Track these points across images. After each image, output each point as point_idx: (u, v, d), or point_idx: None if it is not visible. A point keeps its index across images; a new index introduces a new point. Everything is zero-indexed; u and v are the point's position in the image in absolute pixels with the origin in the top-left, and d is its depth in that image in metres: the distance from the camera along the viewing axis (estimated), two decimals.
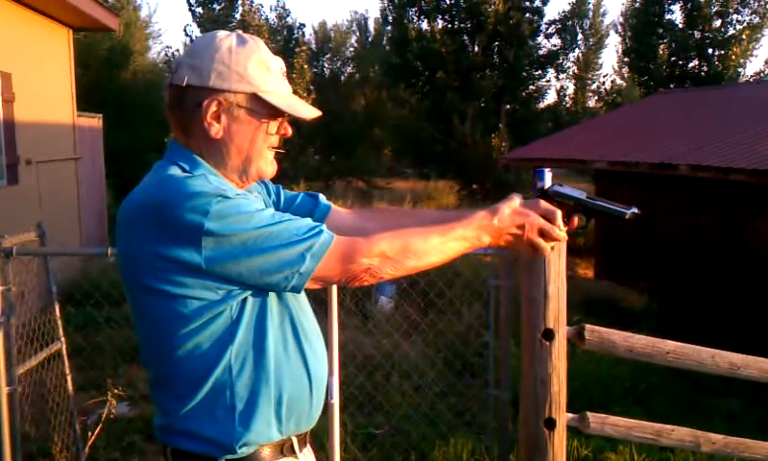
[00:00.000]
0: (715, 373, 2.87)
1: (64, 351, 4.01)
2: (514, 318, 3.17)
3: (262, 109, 1.53)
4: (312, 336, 1.63)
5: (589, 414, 2.63)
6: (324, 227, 1.47)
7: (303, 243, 1.42)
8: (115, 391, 4.46)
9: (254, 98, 1.52)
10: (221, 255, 1.38)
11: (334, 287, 2.83)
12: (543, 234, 1.60)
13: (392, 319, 6.80)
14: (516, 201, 1.61)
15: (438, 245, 1.54)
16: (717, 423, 5.60)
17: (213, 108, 1.50)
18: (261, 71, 1.53)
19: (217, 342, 1.46)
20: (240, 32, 1.57)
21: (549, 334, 2.50)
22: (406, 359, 5.87)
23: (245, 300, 1.47)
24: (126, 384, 5.11)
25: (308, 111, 1.60)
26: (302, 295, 1.63)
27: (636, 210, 1.64)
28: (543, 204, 1.62)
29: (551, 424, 2.52)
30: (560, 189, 1.66)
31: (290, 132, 1.61)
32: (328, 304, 2.89)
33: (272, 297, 1.52)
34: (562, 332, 2.52)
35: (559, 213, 1.61)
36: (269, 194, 1.79)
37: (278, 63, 1.58)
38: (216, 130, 1.51)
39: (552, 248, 1.65)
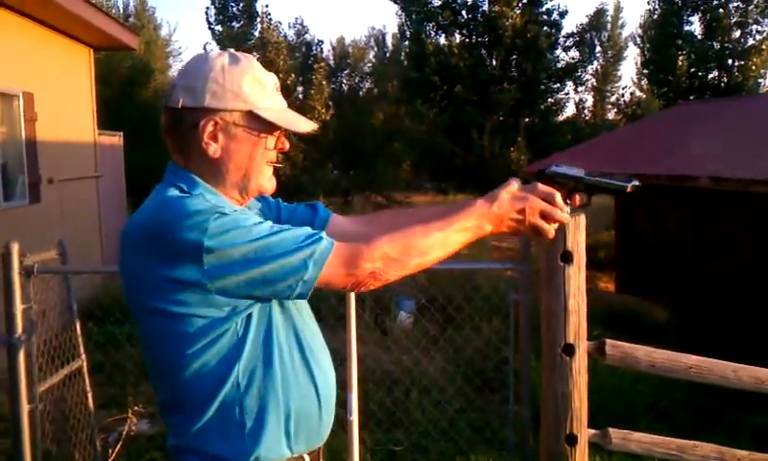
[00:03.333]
0: (739, 388, 2.82)
1: (85, 369, 4.02)
2: (533, 333, 3.14)
3: (259, 125, 1.54)
4: (318, 351, 1.62)
5: (612, 430, 2.60)
6: (323, 234, 1.47)
7: (303, 250, 1.42)
8: (135, 408, 4.47)
9: (250, 115, 1.53)
10: (222, 271, 1.39)
11: (352, 302, 2.83)
12: (545, 217, 1.60)
13: (411, 334, 6.78)
14: (513, 185, 1.60)
15: (440, 239, 1.53)
16: (743, 439, 5.51)
17: (210, 127, 1.51)
18: (255, 88, 1.53)
19: (224, 359, 1.46)
20: (232, 50, 1.58)
21: (570, 349, 2.47)
22: (425, 375, 5.84)
23: (250, 316, 1.47)
24: (146, 401, 5.13)
25: (304, 125, 1.61)
26: (306, 311, 1.64)
27: (636, 183, 1.61)
28: (541, 186, 1.61)
29: (572, 440, 2.49)
30: (558, 170, 1.65)
31: (287, 146, 1.62)
32: (347, 320, 2.88)
33: (276, 312, 1.52)
34: (582, 347, 2.49)
35: (558, 194, 1.60)
36: (269, 208, 1.79)
37: (272, 79, 1.58)
38: (214, 149, 1.52)
39: (556, 230, 1.64)
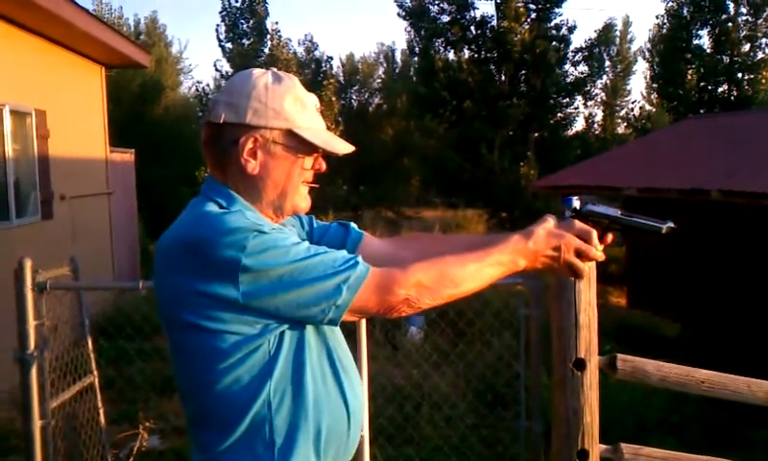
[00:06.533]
0: (751, 402, 2.80)
1: (97, 385, 4.03)
2: (544, 348, 3.14)
3: (298, 144, 1.55)
4: (349, 369, 1.63)
5: (623, 445, 2.58)
6: (359, 258, 1.47)
7: (339, 275, 1.43)
8: (147, 424, 4.48)
9: (290, 134, 1.54)
10: (258, 290, 1.39)
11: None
12: (580, 255, 1.59)
13: (421, 349, 6.76)
14: (550, 222, 1.60)
15: (474, 271, 1.53)
16: (755, 454, 5.47)
17: (250, 144, 1.53)
18: (297, 108, 1.55)
19: (256, 376, 1.45)
20: (275, 69, 1.60)
21: (581, 364, 2.47)
22: (436, 390, 5.82)
23: (282, 333, 1.47)
24: (157, 417, 5.14)
25: (343, 147, 1.62)
26: (338, 328, 1.62)
27: (671, 224, 1.61)
28: (578, 224, 1.60)
29: (584, 455, 2.48)
30: (594, 208, 1.65)
31: (324, 167, 1.62)
32: (357, 335, 2.89)
33: (309, 330, 1.52)
34: (593, 362, 2.49)
35: (594, 233, 1.60)
36: (302, 225, 1.80)
37: (313, 100, 1.60)
38: (252, 166, 1.53)
39: (589, 267, 1.63)
